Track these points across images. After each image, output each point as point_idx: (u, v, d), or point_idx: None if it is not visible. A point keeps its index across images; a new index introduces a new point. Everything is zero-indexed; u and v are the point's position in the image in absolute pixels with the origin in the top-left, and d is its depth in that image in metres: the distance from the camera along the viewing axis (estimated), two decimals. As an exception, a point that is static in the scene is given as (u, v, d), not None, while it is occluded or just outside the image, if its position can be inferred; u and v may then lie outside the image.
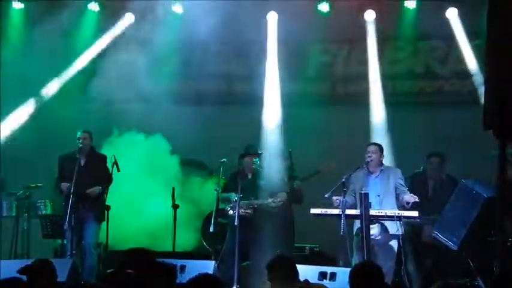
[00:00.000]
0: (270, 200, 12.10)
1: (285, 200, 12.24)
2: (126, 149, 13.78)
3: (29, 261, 8.07)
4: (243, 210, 11.74)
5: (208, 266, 10.64)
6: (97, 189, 11.98)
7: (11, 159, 13.34)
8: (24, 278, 7.16)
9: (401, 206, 11.05)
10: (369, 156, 11.30)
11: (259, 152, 12.43)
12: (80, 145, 12.06)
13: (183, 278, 8.31)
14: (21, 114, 14.73)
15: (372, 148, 11.38)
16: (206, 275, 6.39)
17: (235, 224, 11.47)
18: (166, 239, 13.12)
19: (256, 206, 11.95)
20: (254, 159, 12.20)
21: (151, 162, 14.25)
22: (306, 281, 7.84)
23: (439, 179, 12.15)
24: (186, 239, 13.72)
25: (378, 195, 11.11)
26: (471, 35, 13.72)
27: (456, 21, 14.02)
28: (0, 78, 13.39)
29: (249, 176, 12.22)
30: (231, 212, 11.92)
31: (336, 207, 10.98)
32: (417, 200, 10.84)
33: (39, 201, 13.67)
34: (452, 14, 14.03)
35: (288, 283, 7.32)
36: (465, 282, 10.44)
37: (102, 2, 14.85)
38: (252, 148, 12.39)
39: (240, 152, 12.59)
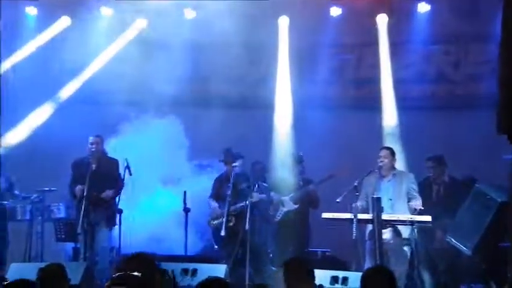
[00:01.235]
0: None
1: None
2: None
3: (42, 264, 8.06)
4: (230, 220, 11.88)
5: (220, 270, 10.56)
6: (110, 193, 11.97)
7: (25, 163, 13.51)
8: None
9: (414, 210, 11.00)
10: (381, 161, 11.26)
11: (239, 156, 12.32)
12: (92, 149, 12.08)
13: (194, 281, 8.23)
14: (35, 118, 14.74)
15: (383, 153, 11.35)
16: (215, 278, 6.32)
17: (222, 234, 11.70)
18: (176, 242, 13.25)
19: (234, 213, 11.96)
20: (233, 164, 12.07)
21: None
22: (321, 286, 7.71)
23: (442, 182, 12.05)
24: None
25: (390, 199, 11.08)
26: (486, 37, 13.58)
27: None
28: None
29: (231, 181, 12.02)
30: (214, 222, 12.15)
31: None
32: (421, 208, 10.79)
33: (53, 204, 13.58)
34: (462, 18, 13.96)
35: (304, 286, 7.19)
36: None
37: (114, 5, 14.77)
38: (229, 152, 12.28)
39: (249, 155, 12.57)
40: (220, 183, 12.32)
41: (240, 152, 12.43)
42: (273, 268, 12.06)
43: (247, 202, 11.65)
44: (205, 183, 13.31)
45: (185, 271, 10.24)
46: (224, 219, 11.77)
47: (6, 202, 13.05)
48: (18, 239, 13.17)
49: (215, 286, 5.93)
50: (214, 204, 12.30)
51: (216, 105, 14.61)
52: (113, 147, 12.95)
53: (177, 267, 9.89)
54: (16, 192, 13.21)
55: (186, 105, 14.57)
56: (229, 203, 11.86)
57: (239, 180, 12.00)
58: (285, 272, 7.35)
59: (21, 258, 12.73)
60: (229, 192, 11.89)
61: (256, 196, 12.13)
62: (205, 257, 12.40)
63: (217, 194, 12.36)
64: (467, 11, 13.72)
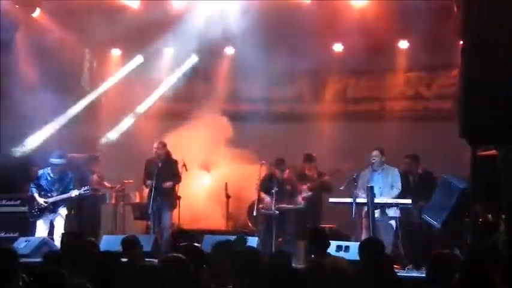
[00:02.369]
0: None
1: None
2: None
3: (124, 236, 8.40)
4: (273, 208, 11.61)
5: (254, 241, 10.54)
6: (169, 184, 11.97)
7: (112, 160, 13.72)
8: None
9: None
10: (373, 159, 11.26)
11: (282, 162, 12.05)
12: (158, 152, 12.07)
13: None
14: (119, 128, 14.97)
15: (375, 152, 11.30)
16: (249, 247, 6.82)
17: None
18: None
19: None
20: (280, 167, 11.94)
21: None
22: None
23: (416, 174, 11.87)
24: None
25: (380, 187, 11.08)
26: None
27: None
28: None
29: (279, 179, 11.88)
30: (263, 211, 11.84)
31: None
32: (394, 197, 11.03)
33: (131, 192, 13.79)
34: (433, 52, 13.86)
35: (321, 253, 7.20)
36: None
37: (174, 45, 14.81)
38: (279, 160, 12.03)
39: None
40: (269, 182, 11.93)
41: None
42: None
43: (273, 191, 11.56)
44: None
45: (228, 241, 10.08)
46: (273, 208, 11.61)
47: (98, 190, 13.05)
48: (107, 217, 13.32)
49: (248, 253, 5.92)
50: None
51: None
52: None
53: (222, 238, 9.78)
54: (105, 183, 13.28)
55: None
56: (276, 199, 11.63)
57: (284, 183, 11.85)
58: (309, 243, 7.53)
59: (109, 232, 12.80)
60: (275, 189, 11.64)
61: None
62: (242, 231, 12.25)
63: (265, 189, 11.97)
64: (435, 46, 13.69)
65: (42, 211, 11.58)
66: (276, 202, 11.62)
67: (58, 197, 11.62)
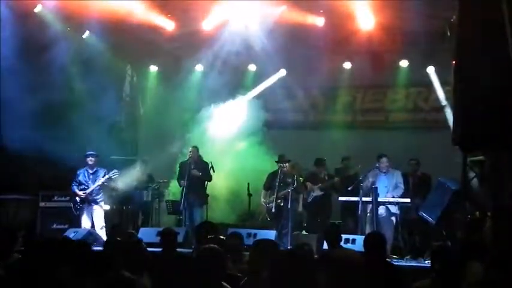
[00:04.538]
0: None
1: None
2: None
3: (160, 229, 8.56)
4: (279, 201, 11.58)
5: (271, 234, 10.64)
6: (197, 173, 12.05)
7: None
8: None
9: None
10: (382, 164, 11.36)
11: (287, 159, 11.99)
12: (190, 155, 12.23)
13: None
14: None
15: (384, 159, 11.39)
16: (268, 239, 6.28)
17: (273, 211, 11.56)
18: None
19: (282, 196, 11.58)
20: (283, 164, 11.87)
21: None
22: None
23: (416, 176, 11.92)
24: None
25: (386, 187, 11.17)
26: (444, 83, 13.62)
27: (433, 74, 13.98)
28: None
29: (281, 176, 11.80)
30: (269, 205, 11.76)
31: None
32: (398, 196, 11.06)
33: (165, 190, 13.76)
34: (430, 70, 13.96)
35: (334, 245, 7.21)
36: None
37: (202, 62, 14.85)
38: (282, 157, 12.00)
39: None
40: (273, 176, 11.97)
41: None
42: (306, 233, 12.04)
43: (289, 190, 11.46)
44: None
45: (249, 234, 10.22)
46: (274, 201, 11.58)
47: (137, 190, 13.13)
48: (144, 212, 13.42)
49: (266, 244, 5.76)
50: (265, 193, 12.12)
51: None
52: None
53: (244, 231, 9.84)
54: (149, 185, 13.33)
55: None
56: (278, 191, 11.63)
57: (285, 175, 11.78)
58: (326, 237, 7.47)
59: (146, 225, 12.92)
60: (277, 183, 11.63)
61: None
62: (261, 225, 12.21)
63: (269, 184, 12.06)
64: (432, 64, 13.81)
65: (83, 203, 11.85)
66: (277, 194, 11.57)
67: (93, 186, 11.88)
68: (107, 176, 11.90)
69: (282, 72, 14.83)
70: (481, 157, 8.64)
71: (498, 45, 6.02)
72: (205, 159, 12.40)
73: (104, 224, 11.83)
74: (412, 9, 11.59)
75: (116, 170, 12.05)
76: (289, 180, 11.60)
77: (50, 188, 12.60)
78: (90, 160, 11.96)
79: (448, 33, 11.70)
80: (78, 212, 11.88)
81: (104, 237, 11.28)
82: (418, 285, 5.65)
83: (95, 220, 11.84)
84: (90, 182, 11.92)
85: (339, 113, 15.03)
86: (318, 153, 12.91)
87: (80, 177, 11.96)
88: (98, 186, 11.90)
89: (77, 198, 11.85)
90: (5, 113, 11.90)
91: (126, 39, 13.58)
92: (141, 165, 13.24)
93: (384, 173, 11.32)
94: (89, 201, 11.85)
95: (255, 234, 10.25)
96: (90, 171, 12.00)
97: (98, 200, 11.97)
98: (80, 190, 11.88)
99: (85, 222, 11.82)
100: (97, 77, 13.06)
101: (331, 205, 12.53)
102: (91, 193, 11.86)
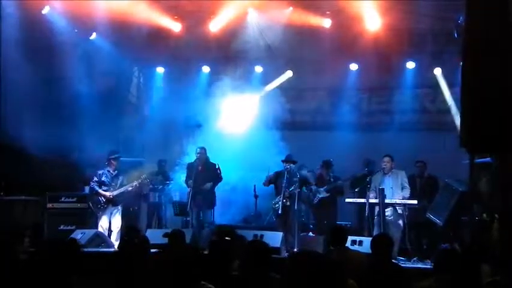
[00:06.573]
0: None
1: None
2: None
3: (168, 230, 8.35)
4: (284, 200, 11.43)
5: (278, 236, 10.44)
6: (208, 185, 12.01)
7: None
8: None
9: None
10: (385, 164, 11.30)
11: (294, 160, 11.77)
12: (198, 156, 12.17)
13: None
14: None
15: (386, 159, 11.33)
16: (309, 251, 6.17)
17: (280, 212, 11.35)
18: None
19: (288, 195, 11.36)
20: (289, 164, 11.65)
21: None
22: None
23: (423, 178, 11.91)
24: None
25: (391, 188, 11.07)
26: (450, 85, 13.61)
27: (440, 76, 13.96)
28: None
29: (285, 175, 11.60)
30: (276, 206, 11.60)
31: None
32: (407, 196, 10.96)
33: (172, 192, 13.70)
34: (437, 71, 13.94)
35: (341, 247, 7.21)
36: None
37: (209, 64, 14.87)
38: (289, 157, 11.81)
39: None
40: (278, 175, 11.73)
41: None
42: (313, 234, 12.08)
43: (295, 191, 11.31)
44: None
45: (255, 236, 10.10)
46: (281, 201, 11.36)
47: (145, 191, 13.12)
48: (152, 214, 13.43)
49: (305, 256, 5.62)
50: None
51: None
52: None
53: (250, 233, 10.01)
54: (160, 186, 13.33)
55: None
56: (284, 191, 11.40)
57: (291, 175, 11.63)
58: (331, 238, 7.35)
59: (154, 226, 12.97)
60: (284, 183, 11.40)
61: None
62: (268, 227, 12.20)
63: (274, 182, 11.78)
64: (438, 66, 13.78)
65: (107, 204, 11.84)
66: (284, 193, 11.41)
67: (123, 188, 11.87)
68: (137, 183, 11.94)
69: (289, 74, 14.82)
70: (488, 159, 8.60)
71: (507, 46, 5.98)
72: (212, 161, 12.34)
73: (120, 225, 11.82)
74: (419, 10, 11.60)
75: (145, 176, 12.09)
76: (295, 179, 11.53)
77: (57, 189, 12.59)
78: (114, 161, 11.97)
79: (456, 35, 11.69)
80: (100, 212, 11.83)
81: (116, 238, 11.42)
82: (420, 285, 5.62)
83: (113, 220, 11.82)
84: (114, 185, 11.89)
85: (345, 115, 14.97)
86: (324, 155, 12.92)
87: (103, 178, 11.92)
88: (128, 188, 11.89)
89: (101, 198, 11.83)
90: (13, 113, 11.92)
91: (133, 41, 13.50)
92: (158, 167, 13.36)
93: (388, 174, 11.25)
94: (113, 202, 11.84)
95: (262, 236, 10.19)
96: (114, 173, 12.00)
97: (121, 201, 12.00)
98: (104, 191, 11.85)
99: (103, 222, 11.79)
100: (104, 78, 13.05)
101: (337, 207, 12.52)
102: (117, 195, 11.86)
